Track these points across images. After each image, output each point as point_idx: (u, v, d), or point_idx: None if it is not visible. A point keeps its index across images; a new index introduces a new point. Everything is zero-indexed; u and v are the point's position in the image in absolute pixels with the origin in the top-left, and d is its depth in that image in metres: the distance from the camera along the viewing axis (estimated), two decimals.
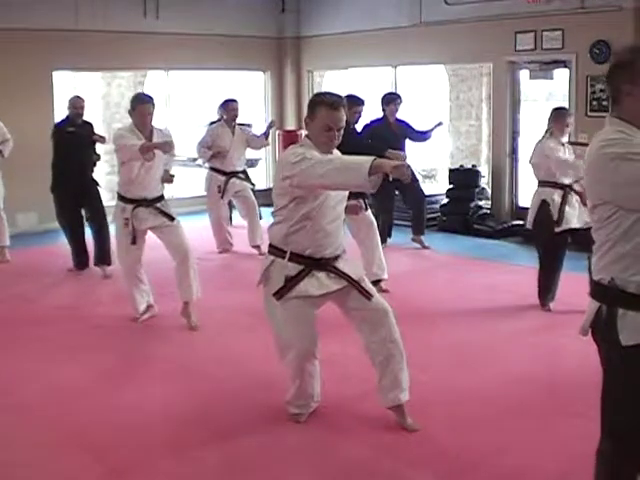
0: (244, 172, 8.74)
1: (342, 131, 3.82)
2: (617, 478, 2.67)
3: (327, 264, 3.90)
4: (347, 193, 4.01)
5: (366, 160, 3.44)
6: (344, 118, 3.82)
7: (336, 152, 3.97)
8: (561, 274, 6.15)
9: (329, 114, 3.76)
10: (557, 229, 6.00)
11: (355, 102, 6.89)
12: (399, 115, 8.66)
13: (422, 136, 8.72)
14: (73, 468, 3.69)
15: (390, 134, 8.23)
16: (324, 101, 3.81)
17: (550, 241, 6.09)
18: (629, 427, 2.58)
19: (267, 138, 8.78)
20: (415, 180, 8.91)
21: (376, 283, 6.55)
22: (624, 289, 2.51)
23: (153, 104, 5.78)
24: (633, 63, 2.50)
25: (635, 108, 2.51)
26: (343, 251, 4.00)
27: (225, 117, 8.58)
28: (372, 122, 8.37)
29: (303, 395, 4.11)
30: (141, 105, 5.69)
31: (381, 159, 3.53)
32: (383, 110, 8.57)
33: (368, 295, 3.93)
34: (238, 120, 8.63)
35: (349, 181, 3.53)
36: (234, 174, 8.51)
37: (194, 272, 5.83)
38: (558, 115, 6.10)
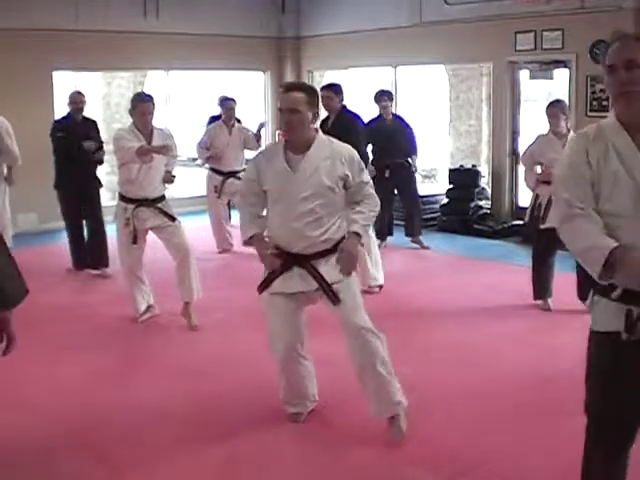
0: (243, 171, 8.67)
1: (295, 115, 3.72)
2: (588, 462, 2.70)
3: (305, 260, 3.80)
4: (319, 190, 3.77)
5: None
6: (295, 101, 3.73)
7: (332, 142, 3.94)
8: (555, 272, 6.17)
9: (280, 97, 3.88)
10: (541, 226, 6.04)
11: (323, 88, 6.91)
12: (402, 113, 8.66)
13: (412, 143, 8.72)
14: (74, 467, 3.69)
15: (383, 131, 8.26)
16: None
17: (537, 236, 6.17)
18: (595, 409, 2.70)
19: (259, 140, 8.66)
20: (412, 180, 8.82)
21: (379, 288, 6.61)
22: None
23: (153, 103, 5.78)
24: None
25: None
26: (328, 250, 3.83)
27: (223, 116, 8.55)
28: (370, 121, 8.35)
29: (295, 394, 4.10)
30: (141, 104, 5.68)
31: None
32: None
33: (333, 300, 3.80)
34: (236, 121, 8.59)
35: None
36: (232, 174, 8.44)
37: (195, 272, 5.83)
38: (547, 108, 6.12)
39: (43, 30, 9.51)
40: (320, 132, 3.93)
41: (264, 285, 3.90)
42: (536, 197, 6.15)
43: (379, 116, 8.59)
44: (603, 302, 2.54)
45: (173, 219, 5.84)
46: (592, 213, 2.44)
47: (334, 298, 3.81)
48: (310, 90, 3.89)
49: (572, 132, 5.98)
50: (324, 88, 6.96)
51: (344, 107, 6.94)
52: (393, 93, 9.03)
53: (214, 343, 5.54)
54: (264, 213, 4.00)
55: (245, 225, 3.97)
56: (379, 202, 3.99)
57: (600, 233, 2.41)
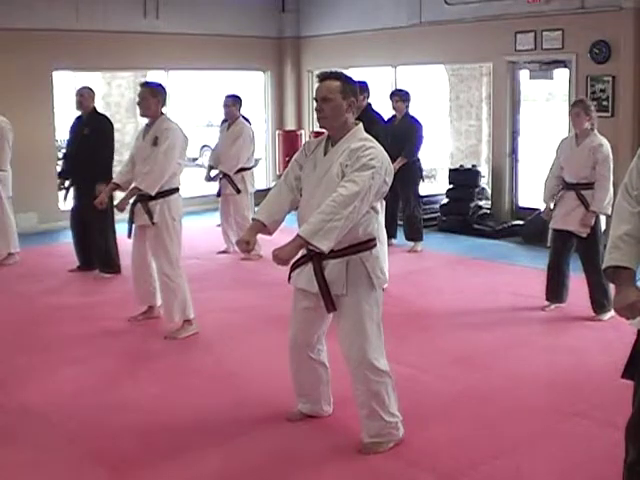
0: (238, 171, 8.23)
1: (328, 103, 3.60)
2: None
3: (316, 257, 3.59)
4: (331, 185, 3.54)
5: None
6: (328, 90, 3.60)
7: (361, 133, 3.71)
8: (564, 276, 6.08)
9: (316, 88, 3.75)
10: (550, 225, 6.09)
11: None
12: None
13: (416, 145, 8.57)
14: (73, 469, 3.69)
15: (390, 130, 7.84)
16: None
17: (551, 235, 6.15)
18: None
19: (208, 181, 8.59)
20: (410, 184, 8.55)
21: None
22: None
23: (150, 90, 5.53)
24: None
25: None
26: (338, 251, 3.55)
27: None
28: (387, 121, 8.25)
29: (297, 389, 4.07)
30: None
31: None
32: None
33: (328, 306, 3.63)
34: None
35: None
36: (225, 175, 8.23)
37: (171, 293, 5.55)
38: (570, 109, 6.03)
39: (43, 30, 9.52)
40: (360, 125, 3.71)
41: (289, 274, 3.80)
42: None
43: (393, 116, 8.59)
44: None
45: (152, 220, 5.47)
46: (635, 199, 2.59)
47: (329, 304, 3.63)
48: (346, 79, 3.67)
49: (596, 131, 5.88)
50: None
51: (369, 105, 6.82)
52: (407, 92, 8.68)
53: (214, 344, 5.52)
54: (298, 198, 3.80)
55: (260, 206, 3.86)
56: (352, 213, 3.43)
57: (631, 221, 2.56)
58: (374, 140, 3.66)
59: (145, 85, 5.66)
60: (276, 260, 3.49)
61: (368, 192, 3.48)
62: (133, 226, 5.66)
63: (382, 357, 3.73)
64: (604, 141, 5.83)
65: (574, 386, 4.61)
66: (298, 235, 3.46)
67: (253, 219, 3.89)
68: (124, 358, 5.25)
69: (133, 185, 5.60)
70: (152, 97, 5.53)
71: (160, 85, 5.71)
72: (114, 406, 4.37)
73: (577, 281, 6.02)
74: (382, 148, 3.66)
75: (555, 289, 6.12)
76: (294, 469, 3.65)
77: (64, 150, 8.08)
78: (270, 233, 3.82)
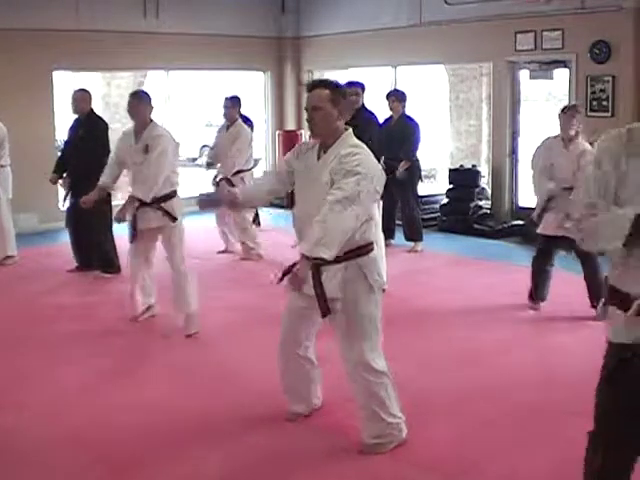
0: (237, 173, 8.07)
1: (318, 112, 3.61)
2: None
3: (316, 263, 3.52)
4: (323, 191, 3.52)
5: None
6: (318, 99, 3.62)
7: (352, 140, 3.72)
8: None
9: (306, 97, 3.76)
10: (540, 230, 6.08)
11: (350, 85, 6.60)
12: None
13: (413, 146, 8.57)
14: (74, 468, 3.69)
15: (386, 131, 7.93)
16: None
17: (538, 238, 6.17)
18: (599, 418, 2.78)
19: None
20: (407, 184, 8.54)
21: None
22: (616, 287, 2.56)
23: (138, 99, 5.73)
24: None
25: None
26: (340, 257, 3.52)
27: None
28: (383, 121, 8.19)
29: (288, 390, 4.08)
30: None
31: None
32: None
33: (323, 310, 3.60)
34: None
35: None
36: (224, 177, 8.14)
37: (188, 284, 5.68)
38: (560, 114, 6.00)
39: (43, 30, 9.52)
40: (350, 131, 3.72)
41: (281, 276, 3.74)
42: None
43: (390, 116, 8.58)
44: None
45: (174, 219, 5.69)
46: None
47: (325, 309, 3.59)
48: (335, 87, 3.69)
49: (581, 137, 5.86)
50: (351, 85, 6.67)
51: (363, 105, 6.84)
52: (403, 93, 8.72)
53: (214, 343, 5.53)
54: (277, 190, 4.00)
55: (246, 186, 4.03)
56: (346, 218, 3.43)
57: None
58: (364, 146, 3.67)
59: (133, 95, 5.85)
60: (293, 284, 3.52)
61: (357, 197, 3.45)
62: (136, 230, 5.71)
63: (380, 358, 3.73)
64: (588, 147, 5.82)
65: (574, 386, 4.60)
66: (302, 254, 3.46)
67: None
68: (124, 358, 5.25)
69: (130, 195, 5.72)
70: (140, 104, 5.73)
71: (145, 92, 5.94)
72: (114, 406, 4.37)
73: (578, 281, 6.02)
74: (371, 154, 3.66)
75: (539, 290, 6.16)
76: (294, 469, 3.65)
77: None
78: (237, 208, 4.35)
